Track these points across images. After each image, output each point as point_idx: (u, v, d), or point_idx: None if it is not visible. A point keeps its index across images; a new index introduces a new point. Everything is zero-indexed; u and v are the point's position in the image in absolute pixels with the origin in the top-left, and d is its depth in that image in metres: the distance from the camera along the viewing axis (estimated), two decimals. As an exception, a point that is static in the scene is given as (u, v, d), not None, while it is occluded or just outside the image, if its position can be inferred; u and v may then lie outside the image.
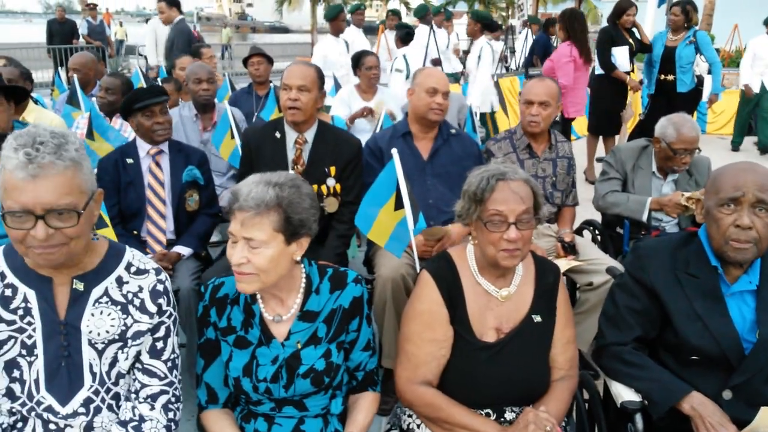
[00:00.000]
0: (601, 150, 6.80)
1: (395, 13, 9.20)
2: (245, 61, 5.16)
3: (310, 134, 2.90)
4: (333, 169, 2.87)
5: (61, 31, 11.85)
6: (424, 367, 1.76)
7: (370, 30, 11.45)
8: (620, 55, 6.24)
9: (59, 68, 7.84)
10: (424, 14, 8.96)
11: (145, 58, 7.60)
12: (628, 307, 1.88)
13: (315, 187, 2.76)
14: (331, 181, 2.87)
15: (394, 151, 2.33)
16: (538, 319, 1.79)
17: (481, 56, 6.63)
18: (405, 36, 7.04)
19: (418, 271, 2.27)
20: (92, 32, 11.86)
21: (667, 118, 3.15)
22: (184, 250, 2.92)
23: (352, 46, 7.38)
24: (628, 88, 6.43)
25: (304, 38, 27.39)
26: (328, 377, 1.68)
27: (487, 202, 1.70)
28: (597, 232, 3.51)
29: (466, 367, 1.74)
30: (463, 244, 1.89)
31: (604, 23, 6.87)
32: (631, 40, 6.35)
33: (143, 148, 2.98)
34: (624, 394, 1.81)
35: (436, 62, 8.15)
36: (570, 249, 2.99)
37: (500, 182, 1.71)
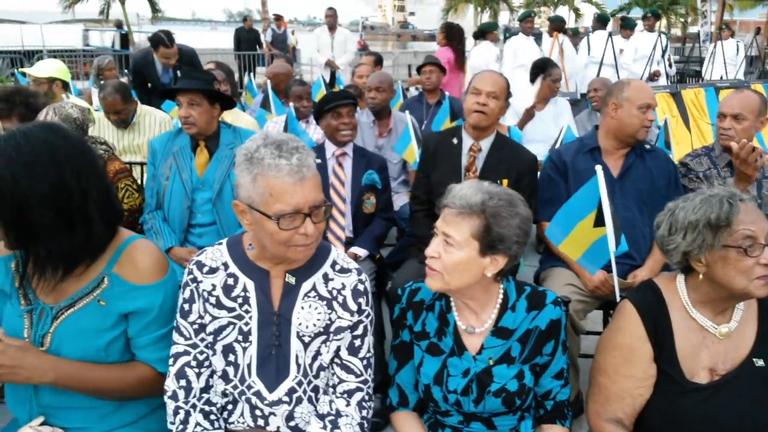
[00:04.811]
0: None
1: (554, 20, 8.90)
2: (419, 70, 5.26)
3: (486, 143, 2.90)
4: (505, 182, 2.80)
5: (247, 39, 13.05)
6: (616, 404, 1.65)
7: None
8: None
9: (251, 74, 8.61)
10: (605, 21, 8.62)
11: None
12: None
13: None
14: None
15: (599, 168, 2.23)
16: (760, 363, 1.59)
17: None
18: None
19: (617, 300, 2.14)
20: (275, 40, 12.87)
21: None
22: (361, 252, 3.03)
23: (520, 53, 7.31)
24: None
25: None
26: (520, 399, 1.64)
27: (733, 225, 1.53)
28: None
29: (673, 410, 1.60)
30: (672, 273, 1.74)
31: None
32: None
33: (330, 149, 3.16)
34: None
35: (656, 75, 8.03)
36: None
37: (741, 203, 1.54)
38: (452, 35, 6.84)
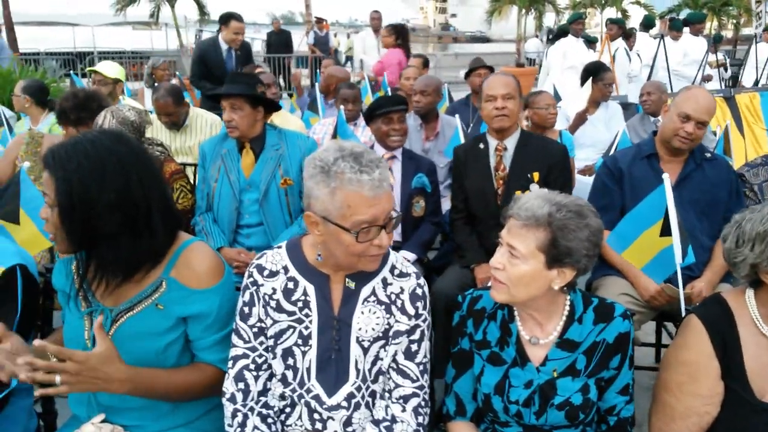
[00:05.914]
0: None
1: (615, 22, 8.68)
2: (468, 73, 5.22)
3: (510, 142, 2.93)
4: (536, 175, 2.84)
5: (277, 41, 13.23)
6: (681, 422, 1.60)
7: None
8: None
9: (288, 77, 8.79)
10: (649, 25, 8.44)
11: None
12: None
13: (518, 193, 2.77)
14: (534, 187, 2.83)
15: (666, 176, 2.18)
16: (836, 383, 1.52)
17: None
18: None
19: (682, 315, 2.07)
20: (318, 43, 13.03)
21: None
22: (410, 256, 3.02)
23: (570, 55, 7.23)
24: None
25: (505, 48, 27.17)
26: (584, 413, 1.60)
27: None
28: None
29: (743, 430, 1.54)
30: (741, 288, 1.68)
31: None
32: None
33: (379, 153, 3.16)
34: None
35: (708, 78, 7.83)
36: None
37: None
38: (404, 37, 7.10)
